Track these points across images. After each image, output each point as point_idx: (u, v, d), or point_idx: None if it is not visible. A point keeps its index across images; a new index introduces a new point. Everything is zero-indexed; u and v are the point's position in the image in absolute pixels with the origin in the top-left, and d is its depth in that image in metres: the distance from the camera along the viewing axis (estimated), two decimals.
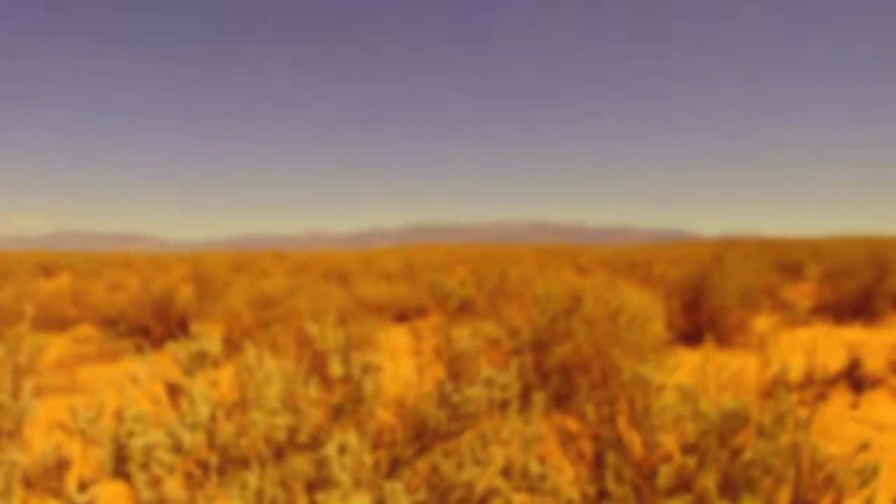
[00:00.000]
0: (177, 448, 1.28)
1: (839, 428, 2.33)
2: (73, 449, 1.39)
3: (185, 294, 7.35)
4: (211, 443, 1.39)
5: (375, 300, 7.75)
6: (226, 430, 1.37)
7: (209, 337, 1.64)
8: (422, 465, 1.62)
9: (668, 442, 1.93)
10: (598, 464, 1.97)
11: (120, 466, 1.25)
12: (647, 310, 3.79)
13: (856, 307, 7.35)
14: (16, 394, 1.36)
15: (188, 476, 1.39)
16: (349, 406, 1.49)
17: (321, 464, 1.31)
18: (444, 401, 1.51)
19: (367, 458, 1.43)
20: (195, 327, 1.63)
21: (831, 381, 4.13)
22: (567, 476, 1.54)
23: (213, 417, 1.38)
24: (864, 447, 1.69)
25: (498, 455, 1.43)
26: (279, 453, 1.39)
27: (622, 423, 1.98)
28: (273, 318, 5.09)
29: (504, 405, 1.52)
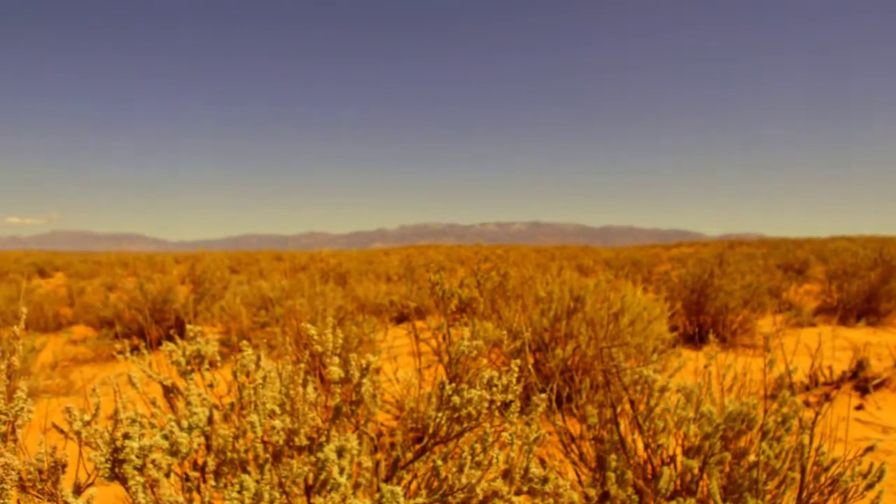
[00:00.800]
0: (173, 451, 1.26)
1: (844, 430, 2.30)
2: (69, 451, 1.37)
3: (183, 294, 7.33)
4: (208, 445, 1.37)
5: (375, 300, 7.74)
6: (223, 432, 1.35)
7: (206, 338, 1.62)
8: (421, 467, 1.60)
9: (671, 444, 1.91)
10: (600, 466, 1.95)
11: (116, 469, 1.23)
12: (650, 310, 3.77)
13: (861, 308, 7.32)
14: (10, 395, 1.34)
15: (185, 479, 1.38)
16: (348, 408, 1.47)
17: (320, 466, 1.29)
18: (443, 403, 1.49)
19: (367, 461, 1.41)
20: (191, 328, 1.61)
21: (836, 383, 4.10)
22: (569, 479, 1.52)
23: (210, 420, 1.36)
24: (870, 449, 1.67)
25: (499, 457, 1.41)
26: (277, 456, 1.37)
27: (624, 425, 1.97)
28: (271, 319, 5.07)
29: (505, 407, 1.50)
